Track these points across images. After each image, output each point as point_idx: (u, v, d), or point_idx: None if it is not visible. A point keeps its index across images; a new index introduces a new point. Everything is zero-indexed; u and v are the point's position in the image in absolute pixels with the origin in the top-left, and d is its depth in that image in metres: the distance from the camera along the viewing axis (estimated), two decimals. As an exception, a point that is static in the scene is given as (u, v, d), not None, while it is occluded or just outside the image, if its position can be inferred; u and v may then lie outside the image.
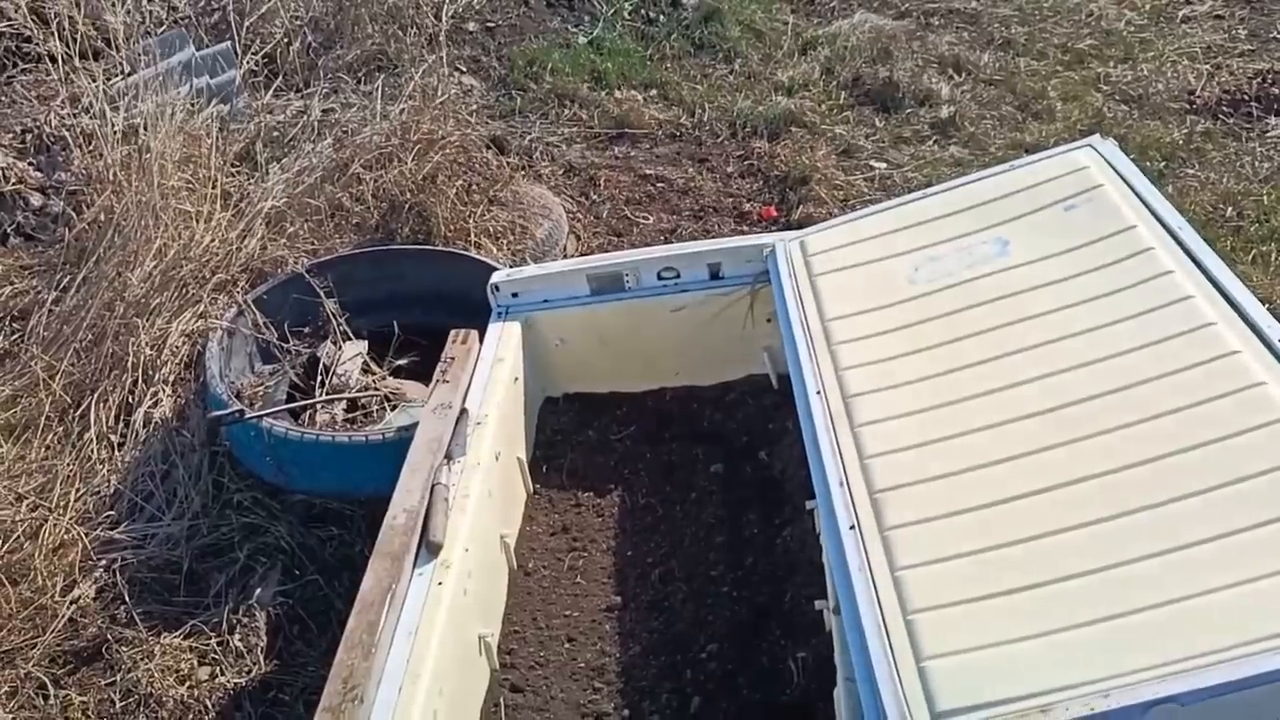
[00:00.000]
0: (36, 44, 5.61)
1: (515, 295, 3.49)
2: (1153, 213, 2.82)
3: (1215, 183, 5.17)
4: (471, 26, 6.94)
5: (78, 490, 3.82)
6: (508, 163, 5.40)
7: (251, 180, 5.07)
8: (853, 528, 2.31)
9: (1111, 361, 2.47)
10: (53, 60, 5.38)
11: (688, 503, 3.26)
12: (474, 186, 4.93)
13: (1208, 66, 6.24)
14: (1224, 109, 5.82)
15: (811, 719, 2.50)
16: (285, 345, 4.01)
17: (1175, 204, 2.92)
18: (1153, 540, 2.05)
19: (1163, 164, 5.35)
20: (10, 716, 3.17)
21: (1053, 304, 2.69)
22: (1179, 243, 2.70)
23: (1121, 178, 2.99)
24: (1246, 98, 5.88)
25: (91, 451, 3.94)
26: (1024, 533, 2.16)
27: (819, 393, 2.70)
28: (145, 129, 4.84)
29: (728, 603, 2.91)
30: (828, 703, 2.45)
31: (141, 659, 3.27)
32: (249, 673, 3.27)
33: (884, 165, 5.67)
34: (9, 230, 5.16)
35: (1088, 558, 2.06)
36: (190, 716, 3.16)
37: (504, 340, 3.37)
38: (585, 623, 2.94)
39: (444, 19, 6.48)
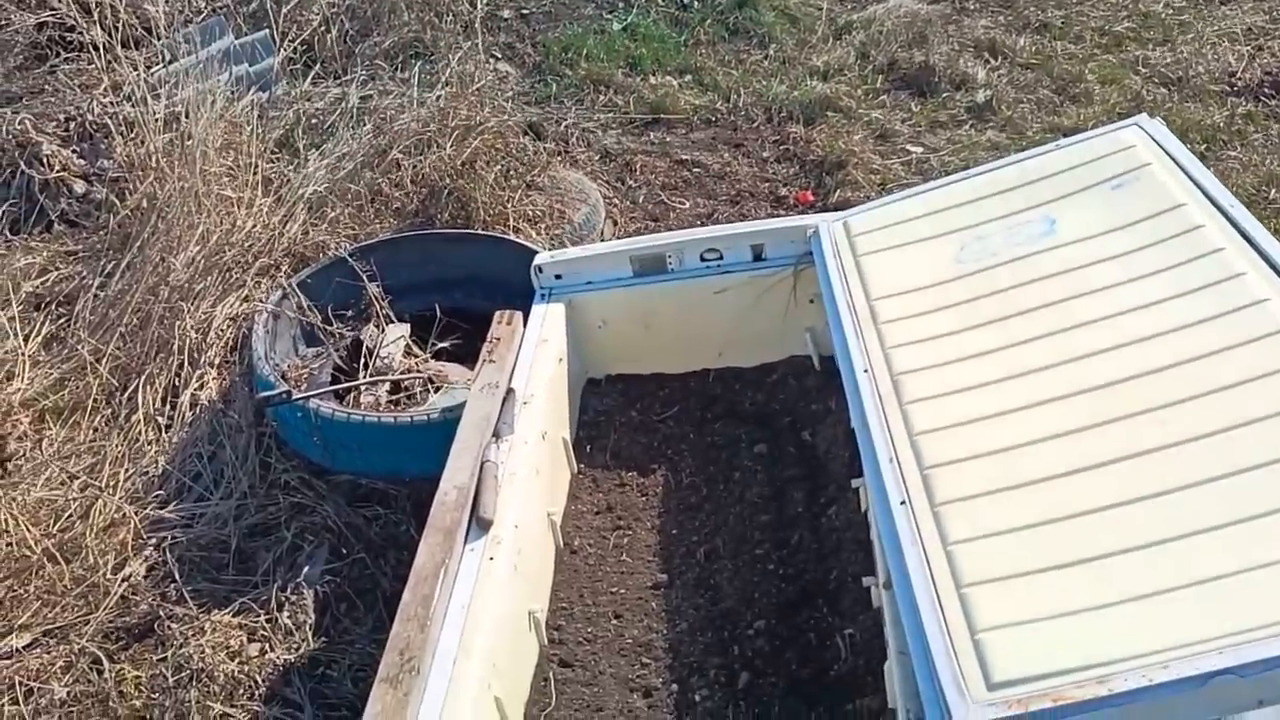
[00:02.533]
0: (79, 33, 5.67)
1: (558, 277, 3.51)
2: (1202, 190, 2.80)
3: (1258, 165, 5.12)
4: (506, 13, 6.96)
5: (126, 471, 3.88)
6: (544, 148, 5.44)
7: (292, 166, 5.11)
8: (903, 503, 2.31)
9: (1162, 338, 2.46)
10: (95, 49, 5.46)
11: (731, 482, 3.28)
12: (512, 172, 4.97)
13: (1248, 48, 6.17)
14: (1266, 91, 5.76)
15: (861, 694, 2.51)
16: (329, 328, 4.05)
17: (1220, 184, 2.90)
18: (1209, 513, 2.04)
19: (1204, 147, 5.30)
20: (66, 690, 3.22)
21: (1101, 282, 2.68)
22: (1230, 220, 2.68)
23: (1169, 156, 2.97)
24: (1289, 80, 5.82)
25: (139, 433, 4.00)
26: (1077, 506, 2.16)
27: (866, 371, 2.70)
28: (186, 116, 4.91)
29: (774, 580, 2.92)
30: (877, 678, 2.46)
31: (192, 635, 3.31)
32: (298, 649, 3.31)
33: (920, 149, 5.65)
34: (54, 217, 5.24)
35: (1143, 530, 2.06)
36: (241, 691, 3.21)
37: (548, 321, 3.39)
38: (632, 600, 2.96)
39: (479, 6, 6.52)
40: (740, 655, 2.75)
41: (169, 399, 4.09)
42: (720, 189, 5.52)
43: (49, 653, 3.34)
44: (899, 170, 5.45)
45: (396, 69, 6.07)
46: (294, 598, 3.41)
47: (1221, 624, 1.85)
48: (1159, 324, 2.50)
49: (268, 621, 3.37)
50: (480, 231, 4.55)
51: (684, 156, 5.78)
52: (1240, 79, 5.91)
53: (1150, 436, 2.24)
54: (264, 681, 3.22)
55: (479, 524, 2.66)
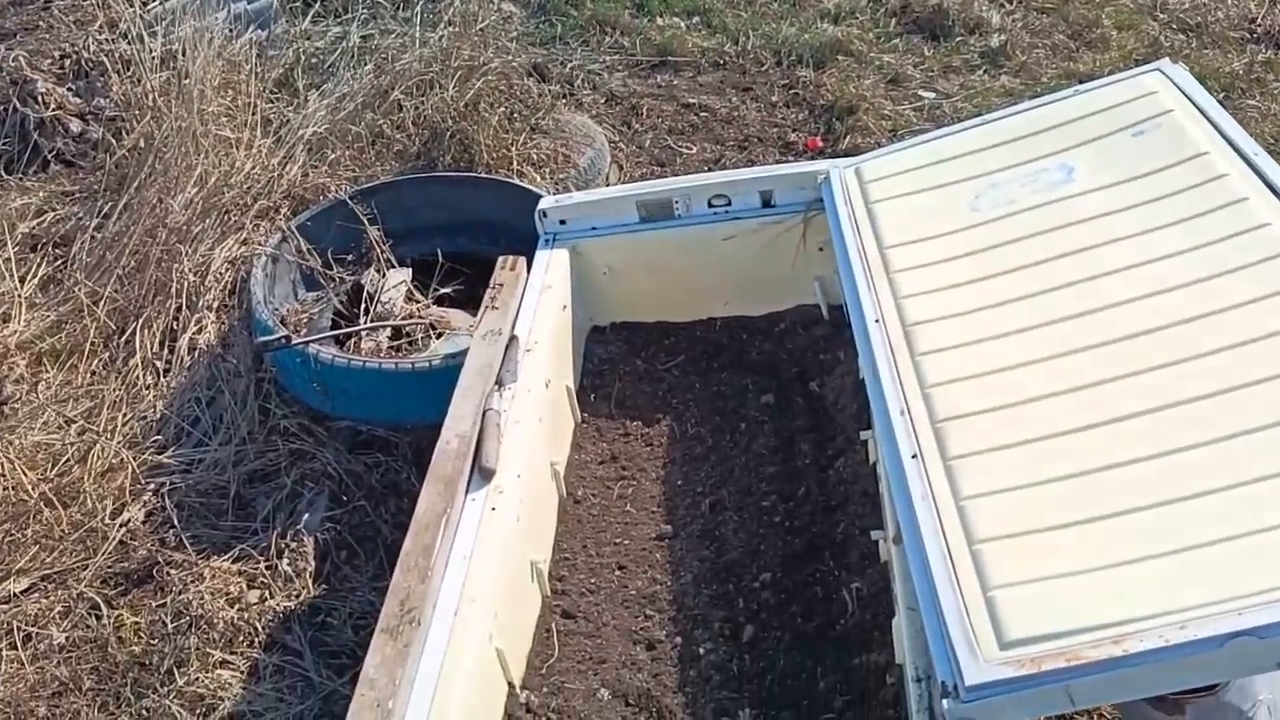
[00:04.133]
0: (74, -33, 5.55)
1: (563, 222, 3.44)
2: (1225, 138, 2.72)
3: (1277, 114, 5.03)
4: (510, -49, 6.80)
5: (124, 415, 3.83)
6: (549, 90, 5.33)
7: (291, 107, 5.02)
8: (915, 457, 2.27)
9: (1183, 289, 2.40)
10: (90, -16, 5.34)
11: (738, 433, 3.23)
12: (516, 114, 4.87)
13: (1270, -7, 6.04)
14: (1286, 38, 5.64)
15: (867, 649, 2.47)
16: (329, 272, 3.99)
17: (1242, 132, 2.81)
18: (1229, 471, 1.99)
19: (1222, 95, 5.19)
20: (65, 635, 3.20)
21: (1121, 231, 2.61)
22: (1254, 169, 2.61)
23: (1192, 102, 2.89)
24: (1310, 26, 5.69)
25: (137, 377, 3.95)
26: (1095, 463, 2.10)
27: (878, 321, 2.64)
28: (183, 54, 4.81)
29: (780, 532, 2.88)
30: (884, 633, 2.43)
31: (191, 581, 3.29)
32: (298, 596, 3.28)
33: (933, 95, 5.53)
34: (49, 156, 5.15)
35: (1162, 489, 2.01)
36: (240, 638, 3.18)
37: (552, 267, 3.33)
38: (636, 551, 2.92)
39: (482, -57, 6.36)
40: (745, 608, 2.72)
41: (167, 343, 4.04)
42: (728, 134, 5.42)
43: (47, 597, 3.32)
44: (910, 116, 5.35)
45: (398, 7, 5.91)
46: (294, 545, 3.38)
47: (1241, 584, 1.81)
48: (1180, 275, 2.43)
49: (267, 568, 3.34)
50: (484, 175, 4.46)
51: (691, 100, 5.67)
52: (1260, 25, 5.78)
53: (1171, 391, 2.18)
54: (264, 629, 3.20)
55: (481, 473, 2.62)
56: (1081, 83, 3.45)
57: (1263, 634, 1.73)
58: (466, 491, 2.57)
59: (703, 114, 5.57)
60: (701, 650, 2.63)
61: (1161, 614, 1.81)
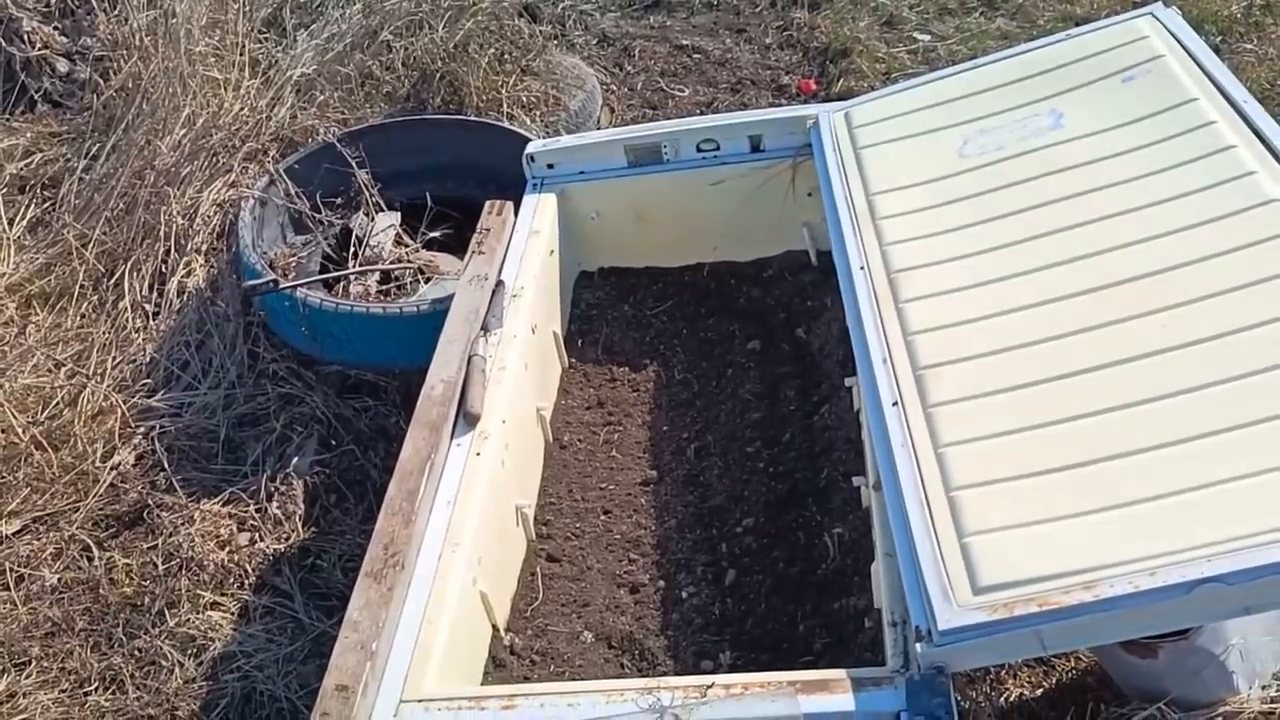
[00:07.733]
0: (57, -97, 5.45)
1: (551, 166, 3.42)
2: (1216, 85, 2.71)
3: (1274, 58, 4.96)
4: (502, -113, 6.68)
5: (114, 358, 3.84)
6: (540, 31, 5.26)
7: (279, 47, 4.95)
8: (895, 404, 2.28)
9: (1168, 238, 2.40)
10: (74, -80, 5.25)
11: (724, 379, 3.24)
12: (506, 56, 4.82)
13: (1272, -66, 5.94)
14: (1287, -19, 5.56)
15: (847, 593, 2.50)
16: (317, 215, 3.96)
17: (1234, 79, 2.79)
18: (1204, 419, 2.01)
19: (1219, 38, 5.13)
20: (57, 577, 3.23)
21: (1108, 179, 2.61)
22: (1243, 116, 2.59)
23: (1184, 47, 2.87)
24: (1311, -32, 5.60)
25: (126, 320, 3.95)
26: (1071, 411, 2.12)
27: (863, 268, 2.64)
28: (170, -8, 4.74)
29: (763, 478, 2.90)
30: (864, 578, 2.46)
31: (182, 524, 3.31)
32: (287, 539, 3.31)
33: (928, 38, 5.47)
34: (36, 97, 5.10)
35: (1136, 436, 2.03)
36: (231, 580, 3.21)
37: (539, 212, 3.32)
38: (621, 496, 2.95)
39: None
40: (728, 553, 2.75)
41: (156, 286, 4.03)
42: (721, 76, 5.37)
43: (39, 539, 3.34)
44: (905, 59, 5.28)
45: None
46: (283, 488, 3.39)
47: (1210, 532, 1.84)
48: (1164, 223, 2.43)
49: (257, 511, 3.36)
50: (473, 118, 4.43)
51: (684, 42, 5.60)
52: (1261, -33, 5.69)
53: (1149, 340, 2.20)
54: (254, 571, 3.23)
55: (466, 419, 2.63)
56: (1078, 25, 3.42)
57: (1230, 580, 1.76)
58: (451, 437, 2.59)
59: (696, 56, 5.52)
60: (684, 594, 2.66)
61: (1133, 560, 1.84)
